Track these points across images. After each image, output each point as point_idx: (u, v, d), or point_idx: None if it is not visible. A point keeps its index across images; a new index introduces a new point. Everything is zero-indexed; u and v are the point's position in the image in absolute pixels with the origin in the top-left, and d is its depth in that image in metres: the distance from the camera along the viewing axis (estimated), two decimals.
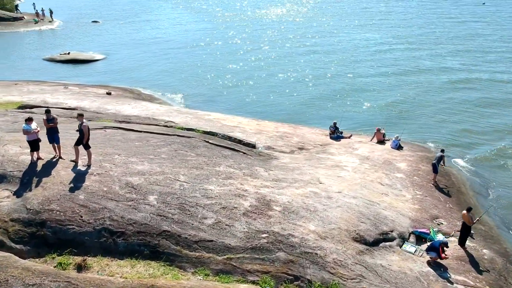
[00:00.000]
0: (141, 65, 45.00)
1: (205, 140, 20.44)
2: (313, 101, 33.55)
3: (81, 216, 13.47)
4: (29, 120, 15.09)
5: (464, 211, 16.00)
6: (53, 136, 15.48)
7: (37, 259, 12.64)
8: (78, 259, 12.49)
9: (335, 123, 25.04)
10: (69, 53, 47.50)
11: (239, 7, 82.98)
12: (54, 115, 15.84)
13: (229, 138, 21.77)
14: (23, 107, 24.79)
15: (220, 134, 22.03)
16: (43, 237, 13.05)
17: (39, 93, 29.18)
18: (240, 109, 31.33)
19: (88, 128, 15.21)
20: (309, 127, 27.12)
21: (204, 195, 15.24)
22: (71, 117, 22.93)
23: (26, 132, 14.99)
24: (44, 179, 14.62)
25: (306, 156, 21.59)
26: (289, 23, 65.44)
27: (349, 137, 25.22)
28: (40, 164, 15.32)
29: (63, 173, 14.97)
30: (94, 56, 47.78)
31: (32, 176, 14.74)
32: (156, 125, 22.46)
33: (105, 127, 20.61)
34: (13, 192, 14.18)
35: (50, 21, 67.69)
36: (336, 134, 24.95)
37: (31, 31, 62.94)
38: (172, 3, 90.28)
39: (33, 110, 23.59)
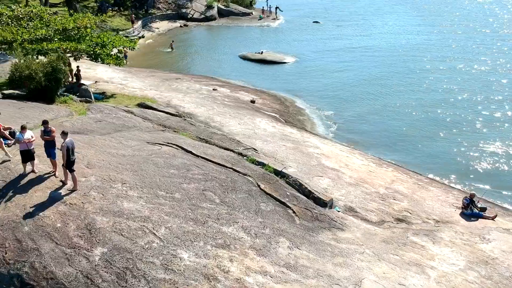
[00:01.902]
0: (326, 73, 41.54)
1: (257, 183, 16.41)
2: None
3: (5, 253, 11.59)
4: (23, 129, 13.90)
5: None
6: (49, 150, 13.98)
7: None
8: None
9: (472, 196, 17.58)
10: (261, 53, 47.36)
11: (486, 19, 70.79)
12: (52, 127, 14.29)
13: (299, 186, 17.11)
14: (139, 105, 24.65)
15: (291, 178, 17.54)
16: None
17: (176, 92, 29.02)
18: (386, 147, 25.58)
19: (68, 149, 13.15)
20: (445, 189, 19.91)
21: (165, 264, 11.66)
22: (160, 124, 21.61)
23: (16, 141, 13.86)
24: (15, 197, 13.25)
25: (391, 235, 15.42)
26: None
27: (491, 218, 17.41)
28: (28, 178, 14.04)
29: (37, 194, 13.36)
30: (284, 58, 46.49)
31: (9, 190, 13.55)
32: (231, 150, 19.28)
33: (167, 144, 18.48)
34: None
35: (273, 19, 69.62)
36: (470, 210, 17.49)
37: (252, 27, 65.69)
38: (408, 8, 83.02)
39: (134, 110, 23.05)
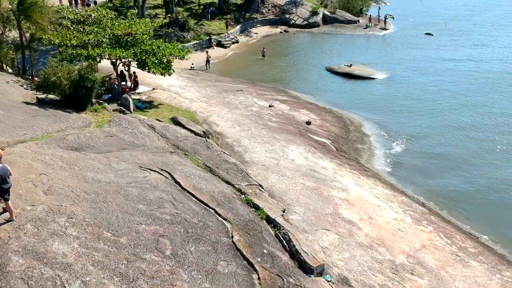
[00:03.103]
0: (417, 95, 36.74)
1: (231, 234, 13.89)
2: None
3: None
4: None
5: None
6: None
7: None
8: None
9: None
10: (350, 66, 43.74)
11: None
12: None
13: (288, 242, 14.21)
14: (172, 119, 23.29)
15: (282, 229, 14.65)
16: None
17: (223, 107, 27.19)
18: (454, 193, 21.50)
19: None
20: (494, 266, 15.41)
21: None
22: (174, 145, 19.92)
23: None
24: None
25: None
26: None
27: None
28: None
29: None
30: (373, 74, 42.34)
31: None
32: (232, 185, 16.87)
33: (160, 170, 16.72)
34: None
35: (381, 28, 64.72)
36: None
37: (355, 36, 61.73)
38: None
39: (156, 126, 21.59)
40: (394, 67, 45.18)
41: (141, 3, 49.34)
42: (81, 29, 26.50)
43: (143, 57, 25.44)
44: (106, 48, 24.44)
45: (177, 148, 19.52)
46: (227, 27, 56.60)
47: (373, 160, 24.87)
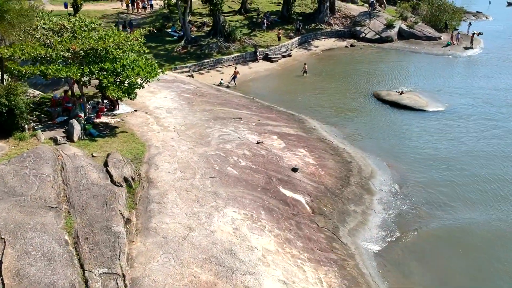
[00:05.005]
0: (471, 136, 29.80)
1: None
2: None
3: None
4: None
5: None
6: None
7: None
8: None
9: None
10: (401, 93, 36.88)
11: None
12: None
13: None
14: (107, 156, 19.27)
15: None
16: None
17: (190, 141, 22.38)
18: None
19: None
20: None
21: None
22: (65, 197, 15.80)
23: None
24: None
25: None
26: None
27: None
28: None
29: None
30: (425, 105, 35.20)
31: None
32: (83, 271, 12.35)
33: None
34: None
35: (466, 47, 55.49)
36: None
37: (430, 55, 53.55)
38: None
39: (69, 166, 17.59)
40: (460, 97, 37.47)
41: (182, 11, 46.08)
42: (48, 41, 23.45)
43: (101, 77, 21.73)
44: (49, 66, 21.08)
45: (65, 202, 15.41)
46: (279, 39, 51.62)
47: (360, 232, 18.90)
